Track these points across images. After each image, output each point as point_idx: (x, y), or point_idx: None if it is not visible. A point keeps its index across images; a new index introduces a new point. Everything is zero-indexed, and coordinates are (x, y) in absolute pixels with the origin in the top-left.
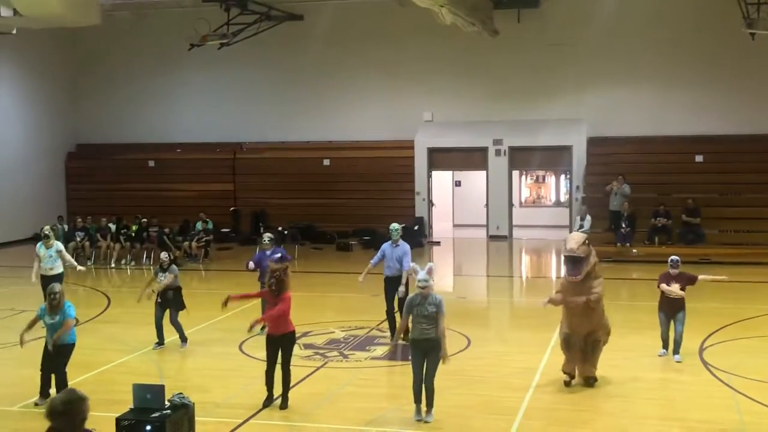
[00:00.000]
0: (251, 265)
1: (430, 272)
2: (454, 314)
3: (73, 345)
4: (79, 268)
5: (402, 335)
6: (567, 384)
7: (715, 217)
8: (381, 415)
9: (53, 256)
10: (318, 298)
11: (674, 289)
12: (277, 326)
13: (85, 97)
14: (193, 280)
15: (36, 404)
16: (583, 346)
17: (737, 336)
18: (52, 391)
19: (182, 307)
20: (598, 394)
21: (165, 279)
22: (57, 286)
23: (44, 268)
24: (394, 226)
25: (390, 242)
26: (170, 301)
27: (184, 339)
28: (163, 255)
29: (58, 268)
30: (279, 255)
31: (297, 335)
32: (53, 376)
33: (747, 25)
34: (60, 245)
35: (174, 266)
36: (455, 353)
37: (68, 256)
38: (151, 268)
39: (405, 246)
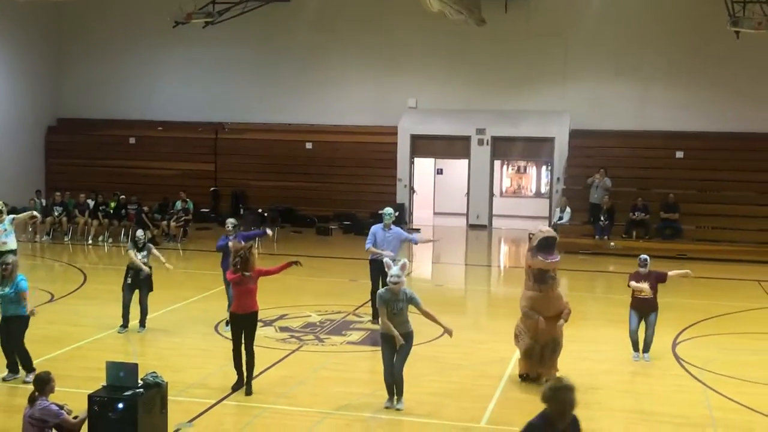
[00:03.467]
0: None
1: (403, 268)
2: (431, 301)
3: (25, 318)
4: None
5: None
6: (524, 379)
7: (694, 213)
8: (355, 400)
9: (7, 230)
10: (295, 282)
11: (644, 287)
12: (241, 305)
13: (67, 72)
14: (171, 259)
15: (4, 379)
16: (541, 351)
17: (710, 332)
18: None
19: (151, 288)
20: None
21: (145, 259)
22: (10, 257)
23: None
24: (388, 210)
25: (381, 226)
26: (143, 282)
27: (144, 323)
28: (139, 233)
29: (12, 243)
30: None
31: (273, 318)
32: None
33: (732, 24)
34: (10, 217)
35: (150, 245)
36: (431, 340)
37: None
38: (126, 245)
39: (397, 229)
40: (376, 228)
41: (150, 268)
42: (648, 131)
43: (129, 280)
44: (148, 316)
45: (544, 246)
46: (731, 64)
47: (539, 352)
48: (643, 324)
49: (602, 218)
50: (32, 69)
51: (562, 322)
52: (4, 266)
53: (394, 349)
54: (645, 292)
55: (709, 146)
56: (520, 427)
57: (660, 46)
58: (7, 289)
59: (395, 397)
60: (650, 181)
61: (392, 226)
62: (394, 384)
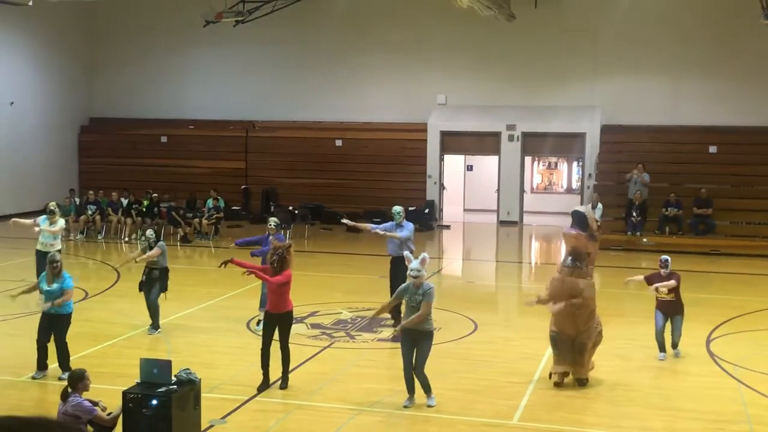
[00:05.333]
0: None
1: (423, 262)
2: (462, 298)
3: (69, 315)
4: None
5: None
6: (557, 385)
7: (727, 209)
8: (386, 397)
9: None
10: (326, 279)
11: (665, 285)
12: (275, 305)
13: (100, 72)
14: (203, 257)
15: (33, 378)
16: (571, 346)
17: (745, 328)
18: (53, 365)
19: (165, 288)
20: (602, 383)
21: (150, 252)
22: (58, 255)
23: (43, 243)
24: (397, 208)
25: (393, 224)
26: (154, 281)
27: (154, 325)
28: (149, 233)
29: (58, 245)
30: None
31: (304, 315)
32: (51, 348)
33: (765, 16)
34: (63, 223)
35: (162, 242)
36: (462, 337)
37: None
38: (138, 243)
39: (409, 224)
40: (389, 226)
41: (166, 268)
42: (680, 126)
43: (144, 279)
44: (175, 315)
45: (572, 219)
46: (765, 56)
47: (567, 348)
48: (669, 326)
49: (634, 214)
50: (64, 69)
51: (561, 305)
52: (53, 264)
53: (414, 344)
54: (662, 293)
55: (742, 140)
56: (552, 424)
57: (692, 40)
58: (55, 286)
59: (414, 395)
60: (683, 177)
61: (404, 223)
62: (413, 381)
